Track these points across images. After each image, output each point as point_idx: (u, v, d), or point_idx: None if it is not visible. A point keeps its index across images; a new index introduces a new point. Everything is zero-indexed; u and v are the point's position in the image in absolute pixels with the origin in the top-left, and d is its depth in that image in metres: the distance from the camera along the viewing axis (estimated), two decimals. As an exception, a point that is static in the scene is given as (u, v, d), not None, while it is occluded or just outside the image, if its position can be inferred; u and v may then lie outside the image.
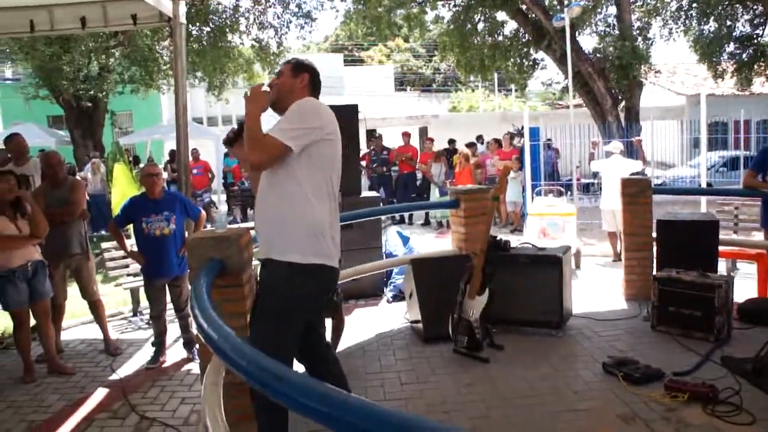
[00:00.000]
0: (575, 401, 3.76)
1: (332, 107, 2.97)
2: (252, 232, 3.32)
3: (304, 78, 2.99)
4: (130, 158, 15.07)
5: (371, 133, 14.83)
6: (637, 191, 5.96)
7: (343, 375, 3.22)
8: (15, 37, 11.33)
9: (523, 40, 16.36)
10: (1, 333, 5.85)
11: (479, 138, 15.58)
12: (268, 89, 2.93)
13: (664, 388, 3.70)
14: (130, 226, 5.47)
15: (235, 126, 3.06)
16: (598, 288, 6.62)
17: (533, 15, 14.84)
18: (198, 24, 15.24)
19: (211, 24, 15.61)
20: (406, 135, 14.14)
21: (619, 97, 15.04)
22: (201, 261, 2.92)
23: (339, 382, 3.12)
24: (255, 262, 3.45)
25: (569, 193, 10.91)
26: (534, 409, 3.65)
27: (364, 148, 13.34)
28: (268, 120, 2.72)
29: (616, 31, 15.04)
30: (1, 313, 5.33)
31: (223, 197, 15.76)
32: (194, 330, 4.17)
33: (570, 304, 5.23)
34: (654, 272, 5.29)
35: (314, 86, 3.04)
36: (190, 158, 13.05)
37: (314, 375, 3.01)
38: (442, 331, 4.69)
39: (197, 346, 4.53)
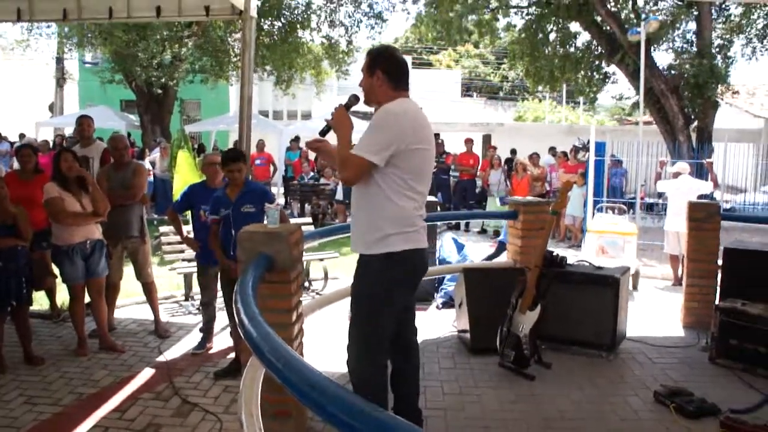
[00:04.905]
0: (621, 429, 3.61)
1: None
2: (304, 229, 3.33)
3: (378, 76, 3.03)
4: (195, 146, 15.44)
5: (435, 137, 14.75)
6: (705, 216, 5.72)
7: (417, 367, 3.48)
8: (95, 22, 11.76)
9: (596, 52, 15.96)
10: (59, 306, 6.04)
11: (551, 150, 15.28)
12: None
13: (720, 425, 3.52)
14: (188, 213, 5.55)
15: (329, 117, 3.13)
16: (655, 312, 6.36)
17: (608, 27, 14.47)
18: (270, 18, 15.48)
19: (282, 19, 15.83)
20: (469, 141, 13.99)
21: (692, 117, 14.50)
22: (250, 255, 2.93)
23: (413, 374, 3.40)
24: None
25: (632, 211, 10.59)
26: (578, 434, 3.53)
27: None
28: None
29: (695, 48, 14.51)
30: (61, 287, 5.52)
31: (282, 190, 15.92)
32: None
33: (624, 326, 5.05)
34: (717, 301, 5.05)
35: (393, 77, 3.04)
36: (255, 149, 13.34)
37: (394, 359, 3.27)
38: (490, 343, 4.58)
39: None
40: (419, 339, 5.18)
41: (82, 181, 4.95)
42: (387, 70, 3.02)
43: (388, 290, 3.00)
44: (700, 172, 10.91)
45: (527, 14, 16.02)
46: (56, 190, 4.85)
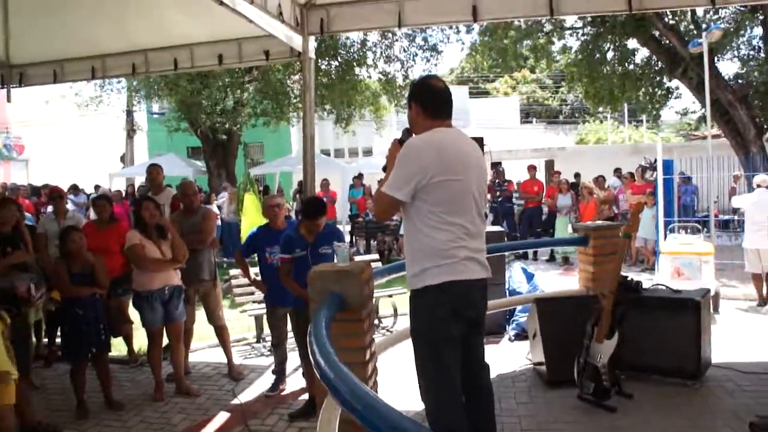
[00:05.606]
0: (716, 463, 3.41)
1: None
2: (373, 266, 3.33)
3: (414, 108, 3.02)
4: (260, 188, 15.79)
5: (496, 166, 14.67)
6: (788, 231, 5.43)
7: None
8: (161, 74, 12.29)
9: (656, 68, 15.58)
10: (137, 351, 6.21)
11: (616, 171, 14.94)
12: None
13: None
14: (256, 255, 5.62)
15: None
16: (740, 336, 6.05)
17: (667, 41, 14.13)
18: (327, 58, 15.82)
19: (339, 58, 16.15)
20: (532, 169, 13.82)
21: (765, 126, 13.90)
22: (321, 294, 2.94)
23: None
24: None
25: (706, 230, 10.16)
26: (668, 469, 3.35)
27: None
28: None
29: (762, 54, 13.99)
30: (137, 333, 5.67)
31: (348, 228, 16.02)
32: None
33: (708, 353, 4.81)
34: (810, 322, 4.76)
35: (430, 108, 2.99)
36: (319, 188, 13.53)
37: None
38: (567, 375, 4.44)
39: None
40: (493, 373, 5.10)
41: (161, 229, 5.12)
42: (420, 101, 3.00)
43: (435, 324, 2.91)
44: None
45: (582, 35, 15.81)
46: (137, 237, 5.03)
